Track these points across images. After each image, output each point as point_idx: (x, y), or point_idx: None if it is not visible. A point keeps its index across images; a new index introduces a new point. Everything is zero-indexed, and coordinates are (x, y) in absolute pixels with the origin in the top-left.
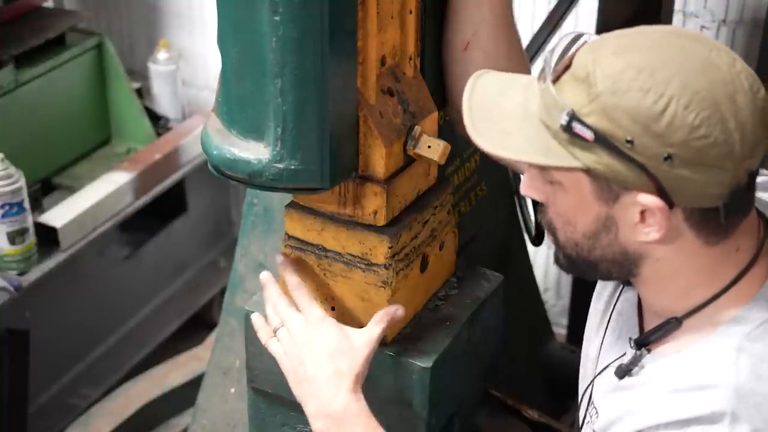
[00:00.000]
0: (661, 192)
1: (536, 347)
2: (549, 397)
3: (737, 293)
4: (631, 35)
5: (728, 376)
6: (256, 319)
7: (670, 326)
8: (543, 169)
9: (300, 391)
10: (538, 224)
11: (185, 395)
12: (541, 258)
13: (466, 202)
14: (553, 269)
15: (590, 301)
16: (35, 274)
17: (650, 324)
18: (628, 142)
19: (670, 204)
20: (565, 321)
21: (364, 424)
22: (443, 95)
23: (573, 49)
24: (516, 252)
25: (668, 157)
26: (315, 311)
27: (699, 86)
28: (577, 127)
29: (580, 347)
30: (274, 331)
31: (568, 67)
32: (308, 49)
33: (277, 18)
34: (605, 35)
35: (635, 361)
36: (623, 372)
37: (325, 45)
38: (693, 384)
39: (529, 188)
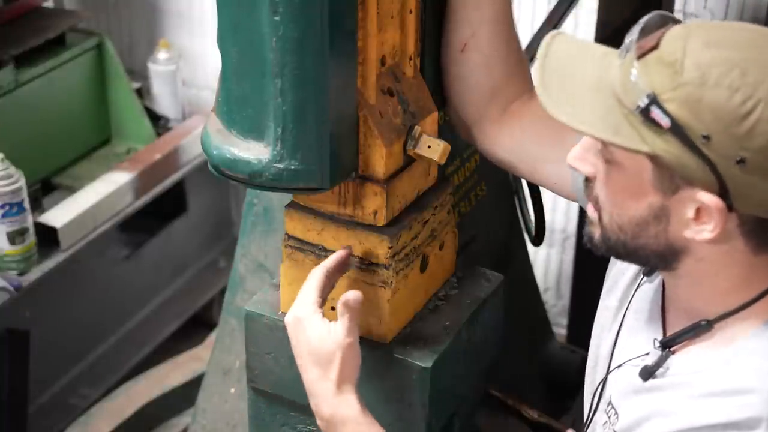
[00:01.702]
0: (723, 193)
1: (536, 347)
2: (549, 397)
3: (762, 305)
4: (725, 28)
5: (765, 382)
6: None
7: (701, 329)
8: (605, 145)
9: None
10: (538, 224)
11: (185, 395)
12: (541, 258)
13: (466, 202)
14: (554, 269)
15: (590, 300)
16: (35, 274)
17: (675, 322)
18: (704, 137)
19: (729, 207)
20: (565, 321)
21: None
22: (443, 95)
23: (658, 31)
24: (516, 252)
25: (741, 161)
26: (300, 307)
27: None
28: (655, 112)
29: (580, 347)
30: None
31: (654, 47)
32: (308, 49)
33: (277, 18)
34: (695, 23)
35: (660, 362)
36: (648, 373)
37: (325, 45)
38: (727, 388)
39: (579, 159)
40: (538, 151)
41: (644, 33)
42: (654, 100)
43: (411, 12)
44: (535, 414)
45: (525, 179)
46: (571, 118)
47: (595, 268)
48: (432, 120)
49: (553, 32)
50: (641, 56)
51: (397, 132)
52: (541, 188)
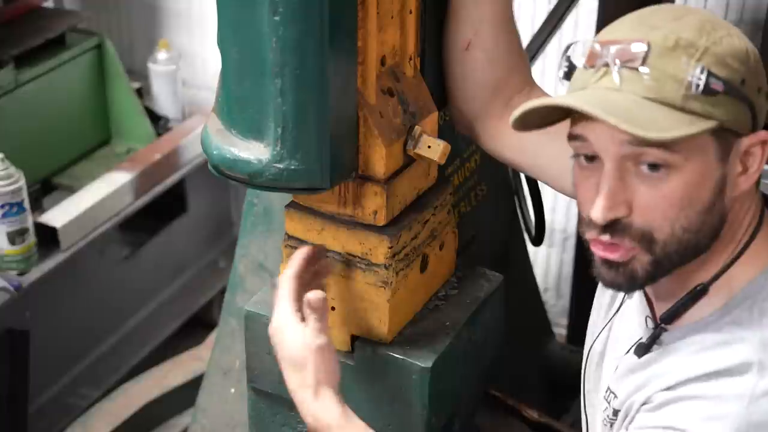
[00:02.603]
0: (755, 129)
1: (536, 347)
2: (549, 397)
3: (754, 250)
4: (645, 12)
5: (753, 330)
6: None
7: (698, 293)
8: (663, 150)
9: None
10: (538, 224)
11: (185, 395)
12: (541, 258)
13: (466, 202)
14: (554, 269)
15: (590, 301)
16: (35, 274)
17: (663, 306)
18: (743, 82)
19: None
20: (565, 321)
21: None
22: (443, 95)
23: (618, 46)
24: (516, 252)
25: (759, 90)
26: (277, 316)
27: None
28: (712, 81)
29: (581, 347)
30: None
31: (647, 52)
32: (308, 49)
33: (277, 18)
34: (615, 24)
35: (655, 337)
36: (644, 349)
37: (325, 45)
38: (718, 341)
39: (611, 209)
40: (538, 144)
41: (603, 53)
42: (707, 72)
43: (411, 12)
44: (535, 414)
45: (528, 174)
46: (640, 129)
47: None
48: (432, 120)
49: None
50: (644, 62)
51: (397, 132)
52: (541, 188)
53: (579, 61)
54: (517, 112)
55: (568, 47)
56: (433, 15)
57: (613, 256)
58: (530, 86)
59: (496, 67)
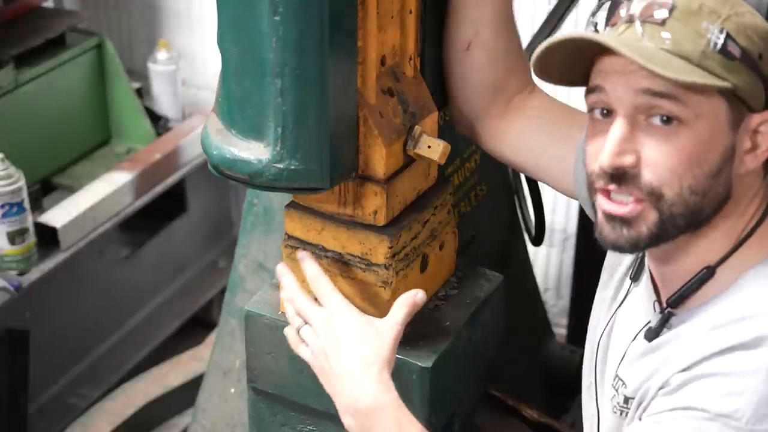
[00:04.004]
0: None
1: (536, 347)
2: (549, 397)
3: (755, 243)
4: None
5: (766, 305)
6: (288, 331)
7: (705, 275)
8: (676, 100)
9: (330, 387)
10: (538, 224)
11: (185, 395)
12: (541, 258)
13: (466, 202)
14: (554, 269)
15: (590, 300)
16: (35, 274)
17: (669, 289)
18: (760, 56)
19: None
20: (565, 321)
21: (394, 418)
22: (443, 95)
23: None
24: (516, 252)
25: None
26: (334, 301)
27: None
28: (730, 44)
29: (580, 347)
30: (298, 332)
31: (672, 9)
32: (308, 49)
33: (277, 18)
34: None
35: (664, 321)
36: (653, 334)
37: (325, 45)
38: (732, 317)
39: (617, 154)
40: (540, 144)
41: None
42: (727, 34)
43: (411, 12)
44: (535, 414)
45: (529, 175)
46: (661, 67)
47: (595, 268)
48: (432, 120)
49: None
50: (666, 20)
51: (397, 132)
52: (541, 188)
53: (602, 21)
54: (540, 48)
55: (596, 10)
56: (433, 15)
57: (620, 211)
58: (530, 88)
59: (496, 68)
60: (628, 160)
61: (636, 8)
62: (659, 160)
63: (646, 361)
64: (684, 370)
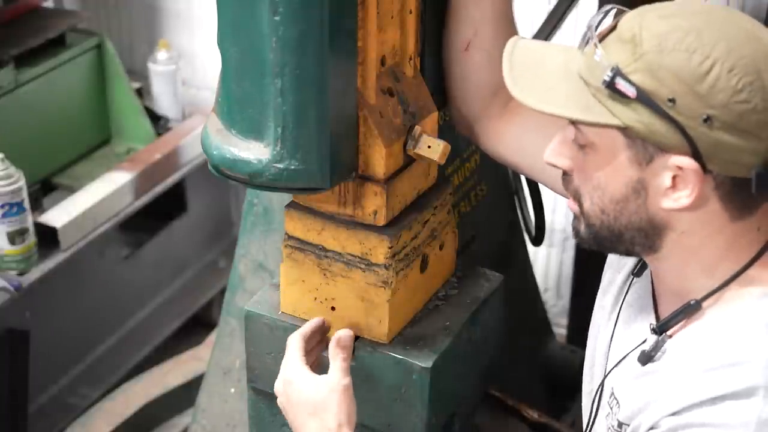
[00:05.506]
0: (696, 155)
1: (536, 347)
2: (549, 397)
3: (758, 272)
4: (677, 4)
5: (760, 351)
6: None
7: (691, 308)
8: (576, 127)
9: None
10: (538, 224)
11: (185, 395)
12: (541, 258)
13: (466, 202)
14: (554, 269)
15: (590, 300)
16: (35, 274)
17: (666, 307)
18: (670, 100)
19: (704, 168)
20: (565, 321)
21: None
22: (443, 95)
23: (606, 20)
24: (516, 252)
25: (707, 119)
26: (286, 370)
27: (743, 53)
28: (620, 83)
29: (580, 347)
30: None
31: (612, 29)
32: (308, 49)
33: (277, 18)
34: (648, 5)
35: (658, 346)
36: (646, 358)
37: (325, 45)
38: (724, 362)
39: (556, 155)
40: (538, 145)
41: (596, 27)
42: (618, 72)
43: (411, 12)
44: (535, 414)
45: (526, 176)
46: (540, 102)
47: (595, 268)
48: (432, 120)
49: (515, 37)
50: (602, 39)
51: (397, 132)
52: (541, 188)
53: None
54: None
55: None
56: (433, 15)
57: (568, 204)
58: None
59: (496, 68)
60: (561, 162)
61: (594, 23)
62: (577, 170)
63: (639, 385)
64: (674, 414)
